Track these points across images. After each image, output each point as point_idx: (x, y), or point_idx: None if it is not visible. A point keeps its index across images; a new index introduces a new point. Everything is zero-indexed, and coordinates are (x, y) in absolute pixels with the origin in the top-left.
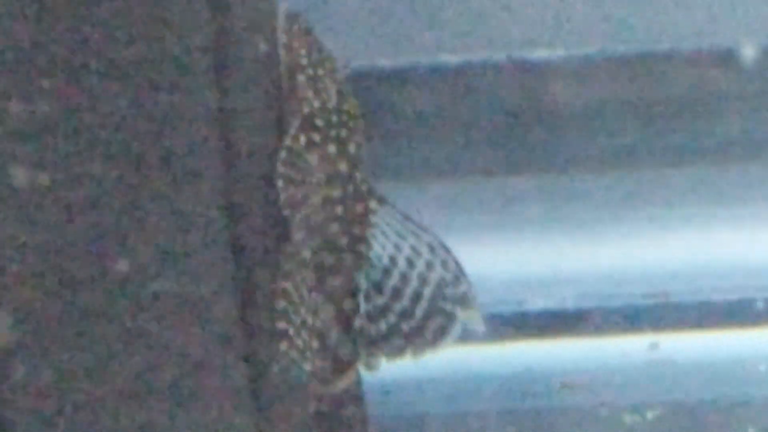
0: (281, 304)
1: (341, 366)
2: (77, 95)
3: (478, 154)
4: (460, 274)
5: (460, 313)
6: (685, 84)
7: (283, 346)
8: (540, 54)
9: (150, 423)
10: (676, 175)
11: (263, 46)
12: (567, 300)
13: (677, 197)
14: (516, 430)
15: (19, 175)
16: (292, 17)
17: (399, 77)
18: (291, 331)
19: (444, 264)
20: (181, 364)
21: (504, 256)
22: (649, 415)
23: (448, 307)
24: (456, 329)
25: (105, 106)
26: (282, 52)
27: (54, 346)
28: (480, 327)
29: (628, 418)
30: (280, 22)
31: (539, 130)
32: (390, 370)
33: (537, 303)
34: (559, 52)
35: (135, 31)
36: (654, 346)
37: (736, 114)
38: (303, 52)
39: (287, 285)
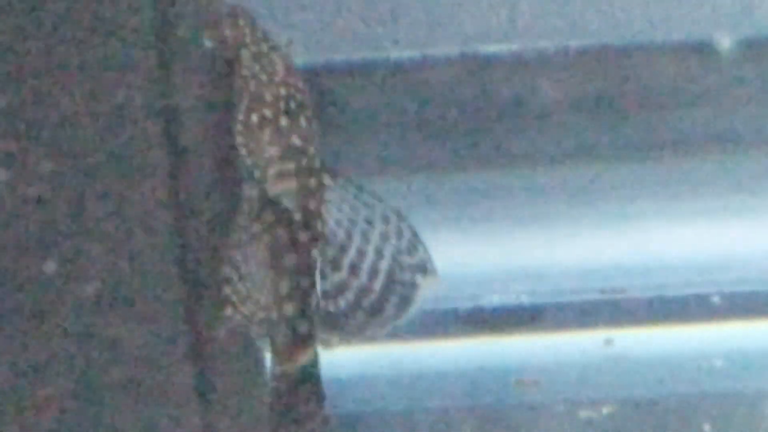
0: (227, 270)
1: (299, 343)
2: (22, 93)
3: (432, 150)
4: (416, 241)
5: (421, 281)
6: (646, 77)
7: (228, 311)
8: (494, 48)
9: (96, 422)
10: (632, 170)
11: (208, 42)
12: (522, 296)
13: (633, 192)
14: (472, 426)
15: None
16: (235, 7)
17: (353, 73)
18: (235, 299)
19: (398, 233)
20: (127, 362)
21: (459, 251)
22: (605, 410)
23: (408, 276)
24: (418, 297)
25: (49, 104)
26: (225, 33)
27: None
28: (441, 289)
29: (583, 414)
30: (222, 11)
31: (494, 125)
32: (344, 366)
33: (492, 299)
34: (513, 46)
35: (79, 30)
36: (609, 342)
37: (693, 106)
38: (246, 30)
39: (236, 254)
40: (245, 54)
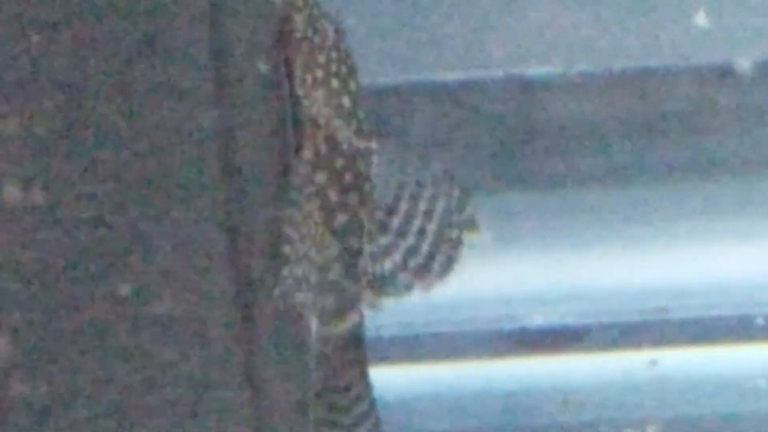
0: (287, 230)
1: (346, 304)
2: (79, 116)
3: (477, 170)
4: (465, 200)
5: (466, 237)
6: (683, 100)
7: (285, 270)
8: (537, 70)
9: None
10: (675, 191)
11: (262, 66)
12: (567, 316)
13: (677, 213)
14: None
15: (16, 194)
16: None
17: (398, 95)
18: (293, 258)
19: (448, 193)
20: (181, 383)
21: (503, 272)
22: (650, 430)
23: (454, 234)
24: (462, 257)
25: (104, 126)
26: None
27: (51, 366)
28: (487, 244)
29: None
30: None
31: (538, 146)
32: (391, 387)
33: (536, 319)
34: (556, 69)
35: (135, 51)
36: (654, 363)
37: (734, 129)
38: None
39: (295, 213)
40: (298, 18)
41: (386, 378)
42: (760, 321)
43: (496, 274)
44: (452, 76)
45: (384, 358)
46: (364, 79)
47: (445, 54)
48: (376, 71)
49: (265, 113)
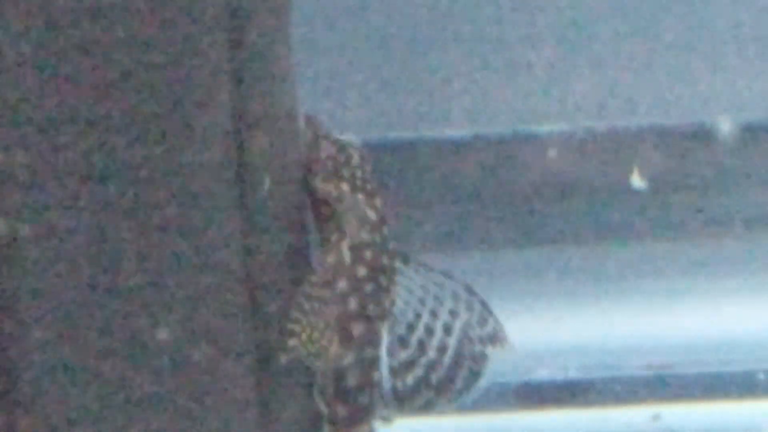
0: (294, 314)
1: (357, 415)
2: (96, 150)
3: (482, 227)
4: (486, 314)
5: (492, 351)
6: (694, 160)
7: (293, 342)
8: (545, 127)
9: None
10: (679, 249)
11: (287, 100)
12: (570, 370)
13: (681, 270)
14: None
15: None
16: (311, 119)
17: (407, 150)
18: (301, 333)
19: (468, 307)
20: (198, 429)
21: (508, 326)
22: None
23: (477, 348)
24: (487, 370)
25: (127, 167)
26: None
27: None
28: (515, 355)
29: None
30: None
31: (542, 203)
32: None
33: (541, 373)
34: (563, 126)
35: (154, 88)
36: (656, 417)
37: (735, 187)
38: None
39: (303, 301)
40: (324, 143)
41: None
42: (761, 376)
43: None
44: (460, 132)
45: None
46: (372, 134)
47: (452, 109)
48: (383, 126)
49: (283, 141)
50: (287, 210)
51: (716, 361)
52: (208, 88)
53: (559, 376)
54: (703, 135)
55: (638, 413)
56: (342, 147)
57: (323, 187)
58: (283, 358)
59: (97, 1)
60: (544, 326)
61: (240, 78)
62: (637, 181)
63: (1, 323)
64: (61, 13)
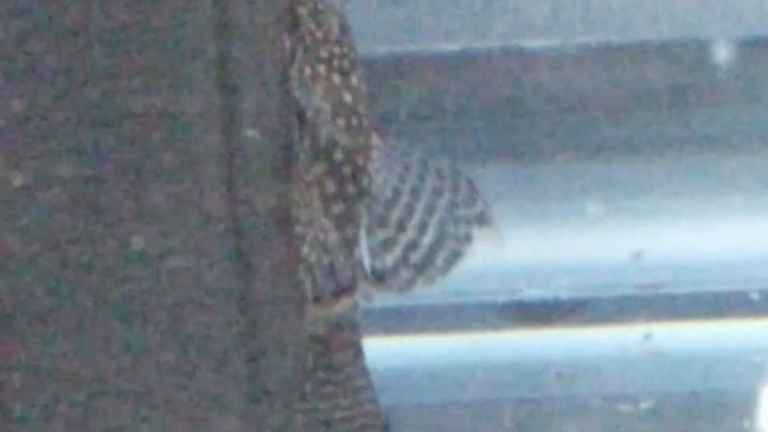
0: (296, 212)
1: (340, 290)
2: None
3: (474, 142)
4: (473, 194)
5: (477, 232)
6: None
7: (304, 250)
8: (535, 43)
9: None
10: (669, 166)
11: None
12: (561, 290)
13: (671, 187)
14: (511, 418)
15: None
16: None
17: (396, 65)
18: (308, 238)
19: (454, 187)
20: (179, 351)
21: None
22: (643, 405)
23: (462, 229)
24: (470, 251)
25: (119, 114)
26: None
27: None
28: (501, 244)
29: (622, 408)
30: None
31: (536, 119)
32: (382, 358)
33: (532, 293)
34: (554, 41)
35: (147, 79)
36: (648, 337)
37: (736, 102)
38: None
39: (300, 198)
40: (302, 11)
41: (379, 349)
42: (755, 296)
43: (490, 247)
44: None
45: (376, 330)
46: (362, 48)
47: (443, 24)
48: (374, 40)
49: (271, 101)
50: (273, 154)
51: (709, 280)
52: (196, 41)
53: (549, 295)
54: (697, 51)
55: (629, 333)
56: (320, 20)
57: (300, 67)
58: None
59: None
60: (533, 245)
61: (226, 24)
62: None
63: None
64: None
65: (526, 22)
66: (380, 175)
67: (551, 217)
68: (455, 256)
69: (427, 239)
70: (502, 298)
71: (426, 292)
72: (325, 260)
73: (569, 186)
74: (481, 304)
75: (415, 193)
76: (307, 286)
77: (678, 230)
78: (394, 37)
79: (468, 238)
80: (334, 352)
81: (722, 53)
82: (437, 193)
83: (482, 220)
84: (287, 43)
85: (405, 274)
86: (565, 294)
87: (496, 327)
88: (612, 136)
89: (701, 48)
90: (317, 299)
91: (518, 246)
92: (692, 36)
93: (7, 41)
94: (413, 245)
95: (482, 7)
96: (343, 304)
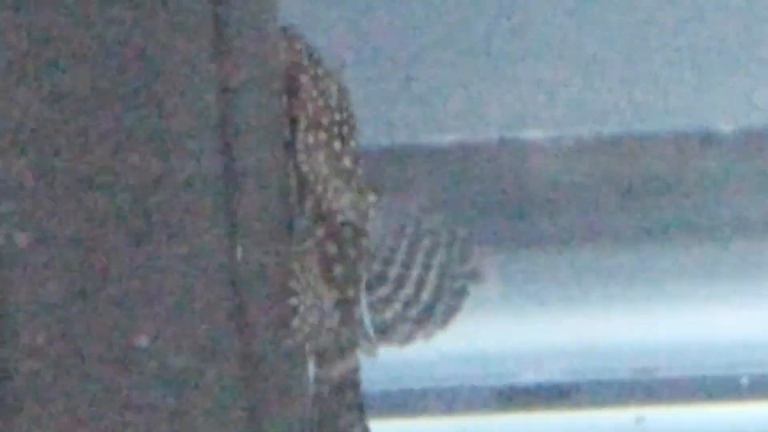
0: (292, 283)
1: (341, 350)
2: (85, 158)
3: (470, 229)
4: (467, 250)
5: (472, 287)
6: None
7: (296, 323)
8: (531, 134)
9: None
10: (661, 253)
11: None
12: (556, 374)
13: (665, 274)
14: None
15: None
16: (288, 28)
17: (397, 156)
18: (302, 309)
19: (449, 244)
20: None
21: (495, 329)
22: None
23: (457, 285)
24: (465, 303)
25: (121, 176)
26: (282, 57)
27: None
28: (498, 291)
29: None
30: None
31: (532, 207)
32: None
33: (527, 376)
34: (550, 133)
35: (143, 99)
36: (640, 420)
37: (720, 193)
38: (303, 53)
39: (296, 266)
40: (303, 78)
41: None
42: (744, 381)
43: (489, 331)
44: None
45: (376, 413)
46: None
47: (440, 116)
48: (374, 134)
49: (272, 164)
50: (273, 217)
51: (700, 364)
52: (195, 96)
53: (544, 379)
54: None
55: (623, 416)
56: (321, 88)
57: (301, 134)
58: (290, 342)
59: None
60: (529, 330)
61: (227, 86)
62: None
63: None
64: (49, 24)
65: (521, 113)
66: (377, 233)
67: (545, 301)
68: (451, 310)
69: (425, 295)
70: (498, 382)
71: (423, 376)
72: (325, 324)
73: (564, 272)
74: (477, 388)
75: (411, 249)
76: (308, 350)
77: (670, 315)
78: (391, 131)
79: (463, 292)
80: (339, 413)
81: (714, 143)
82: (433, 250)
83: (475, 275)
84: (288, 109)
85: (404, 328)
86: (559, 377)
87: (492, 410)
88: (606, 224)
89: (693, 138)
90: (319, 362)
91: (514, 330)
92: (684, 126)
93: (12, 104)
94: (412, 300)
95: (477, 99)
96: (345, 365)
